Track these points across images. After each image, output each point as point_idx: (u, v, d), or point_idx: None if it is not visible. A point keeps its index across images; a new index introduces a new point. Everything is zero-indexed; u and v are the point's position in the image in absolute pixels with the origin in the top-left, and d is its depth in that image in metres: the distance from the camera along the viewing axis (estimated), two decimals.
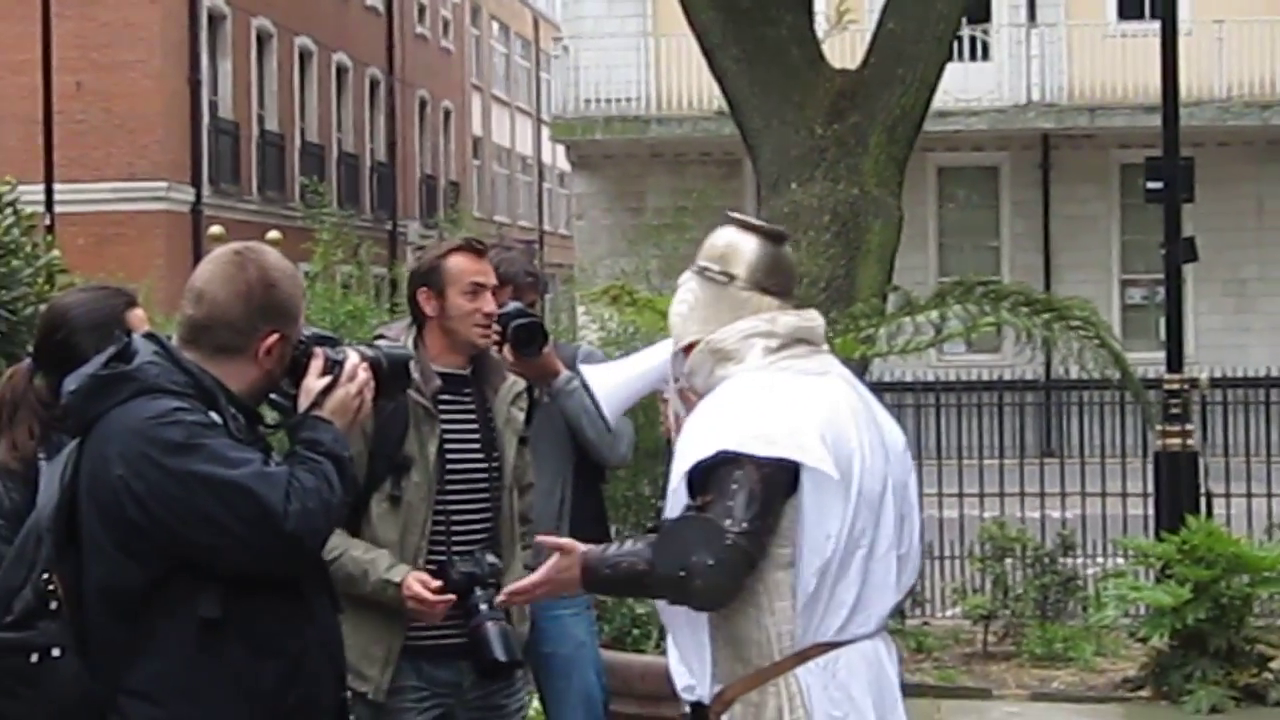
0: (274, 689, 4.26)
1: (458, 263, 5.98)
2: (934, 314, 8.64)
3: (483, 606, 5.71)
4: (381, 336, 6.00)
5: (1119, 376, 8.96)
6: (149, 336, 4.37)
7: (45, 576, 4.26)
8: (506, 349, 6.48)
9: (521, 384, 6.13)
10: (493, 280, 6.04)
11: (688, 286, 4.85)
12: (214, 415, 4.21)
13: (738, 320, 4.75)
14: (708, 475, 4.52)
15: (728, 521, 4.45)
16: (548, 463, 6.72)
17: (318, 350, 4.41)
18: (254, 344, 4.32)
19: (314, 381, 4.38)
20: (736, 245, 4.83)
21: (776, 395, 4.63)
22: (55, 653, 4.29)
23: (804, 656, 4.61)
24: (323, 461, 4.25)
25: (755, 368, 4.71)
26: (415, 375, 5.74)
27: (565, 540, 4.75)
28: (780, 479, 4.52)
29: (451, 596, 5.72)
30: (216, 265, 4.37)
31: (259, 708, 4.24)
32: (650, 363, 5.06)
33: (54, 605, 4.27)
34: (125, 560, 4.16)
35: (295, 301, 4.40)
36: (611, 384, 4.94)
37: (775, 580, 4.58)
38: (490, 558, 5.78)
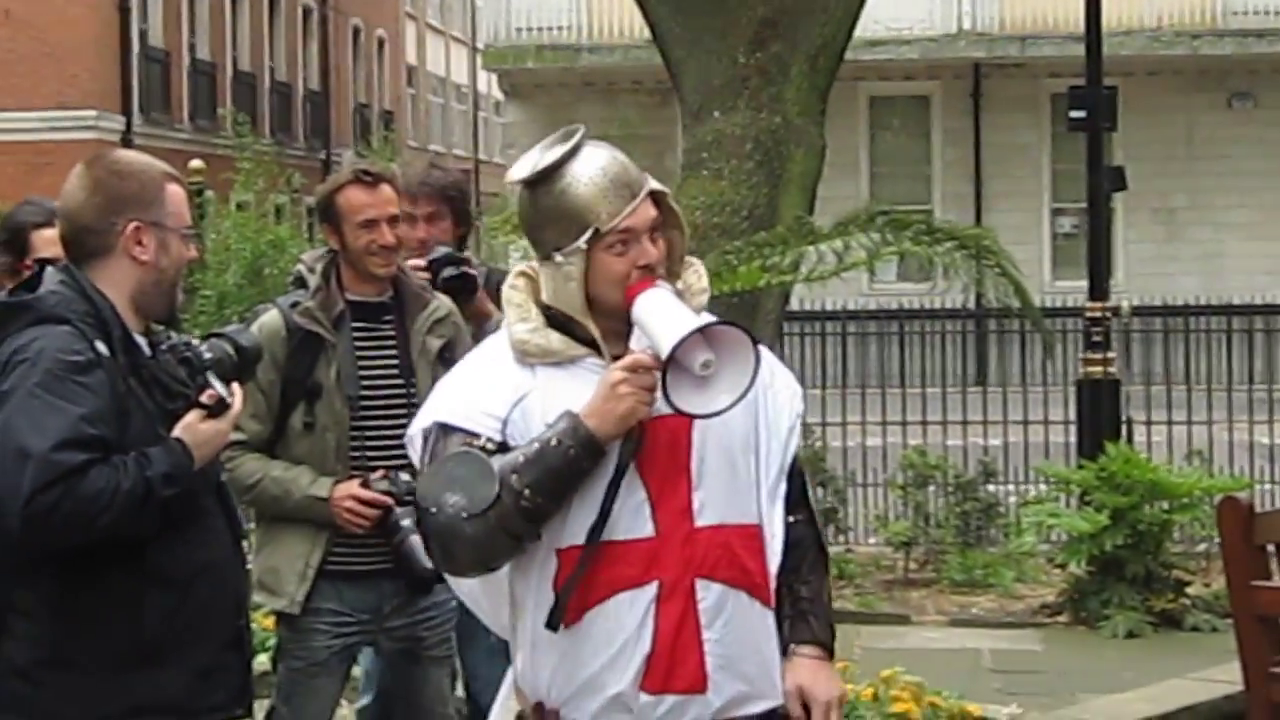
0: (158, 617, 4.23)
1: (349, 197, 5.94)
2: (837, 243, 8.64)
3: (404, 522, 5.72)
4: (300, 278, 6.03)
5: (1019, 305, 9.01)
6: (61, 266, 4.34)
7: None
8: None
9: (441, 311, 6.06)
10: (389, 210, 5.93)
11: None
12: (100, 345, 4.18)
13: None
14: None
15: None
16: None
17: (211, 391, 4.31)
18: (116, 240, 4.28)
19: (193, 416, 4.28)
20: None
21: None
22: None
23: None
24: (132, 482, 4.10)
25: None
26: (314, 308, 5.82)
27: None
28: None
29: (387, 499, 5.74)
30: (69, 180, 4.38)
31: (140, 635, 4.22)
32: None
33: None
34: None
35: (150, 189, 4.33)
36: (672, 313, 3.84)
37: None
38: (405, 476, 5.73)
